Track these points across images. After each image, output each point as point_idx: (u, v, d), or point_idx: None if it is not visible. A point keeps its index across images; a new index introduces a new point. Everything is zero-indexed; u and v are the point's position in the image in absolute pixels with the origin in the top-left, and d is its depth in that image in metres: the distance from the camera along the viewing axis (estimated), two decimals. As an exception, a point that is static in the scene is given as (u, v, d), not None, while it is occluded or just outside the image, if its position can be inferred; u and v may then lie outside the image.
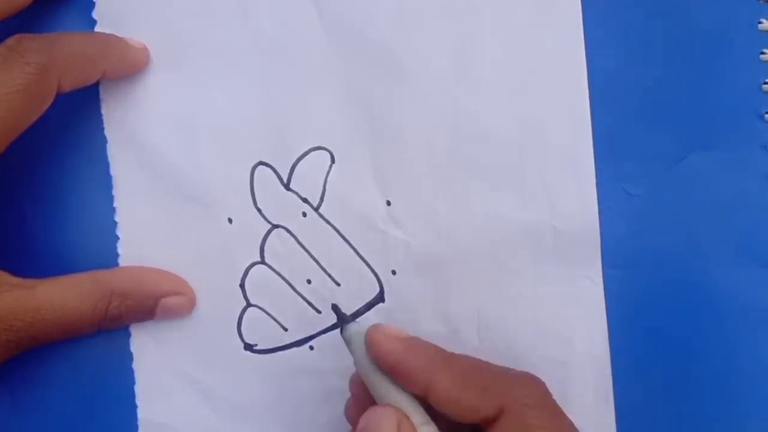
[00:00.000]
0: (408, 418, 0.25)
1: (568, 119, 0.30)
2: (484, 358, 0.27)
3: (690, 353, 0.31)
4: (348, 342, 0.27)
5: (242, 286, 0.32)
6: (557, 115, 0.30)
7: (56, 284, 0.30)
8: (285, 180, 0.32)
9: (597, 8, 0.31)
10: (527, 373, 0.27)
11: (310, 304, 0.32)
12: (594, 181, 0.31)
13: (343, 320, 0.28)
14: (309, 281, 0.32)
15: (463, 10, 0.31)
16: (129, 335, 0.33)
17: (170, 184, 0.32)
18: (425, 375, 0.25)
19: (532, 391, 0.26)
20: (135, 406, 0.33)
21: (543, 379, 0.27)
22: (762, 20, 0.30)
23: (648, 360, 0.31)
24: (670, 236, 0.31)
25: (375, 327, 0.26)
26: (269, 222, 0.32)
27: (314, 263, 0.32)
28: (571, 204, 0.30)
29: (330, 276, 0.32)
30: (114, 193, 0.32)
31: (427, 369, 0.25)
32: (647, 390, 0.31)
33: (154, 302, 0.31)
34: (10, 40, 0.28)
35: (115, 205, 0.32)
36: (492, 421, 0.25)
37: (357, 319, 0.29)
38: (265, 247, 0.32)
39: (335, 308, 0.28)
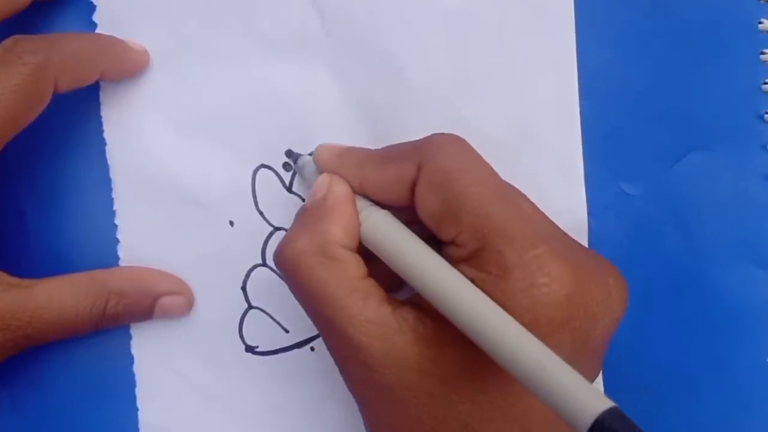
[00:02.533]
0: (340, 178, 0.27)
1: (558, 120, 0.30)
2: None
3: (687, 354, 0.30)
4: (301, 169, 0.30)
5: (244, 288, 0.32)
6: (548, 116, 0.30)
7: (54, 284, 0.29)
8: (287, 183, 0.31)
9: (598, 9, 0.30)
10: (442, 132, 0.26)
11: (311, 305, 0.31)
12: (583, 179, 0.30)
13: (296, 156, 0.30)
14: (311, 283, 0.31)
15: (462, 16, 0.30)
16: (130, 337, 0.32)
17: (171, 187, 0.31)
18: (356, 172, 0.27)
19: (444, 141, 0.26)
20: (136, 409, 0.32)
21: None
22: (762, 20, 0.30)
23: (644, 360, 0.30)
24: (668, 236, 0.30)
25: (321, 144, 0.29)
26: (271, 225, 0.31)
27: (316, 265, 0.31)
28: (561, 202, 0.30)
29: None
30: (114, 195, 0.31)
31: (356, 166, 0.27)
32: (643, 391, 0.30)
33: (151, 302, 0.31)
34: (7, 42, 0.28)
35: (114, 208, 0.32)
36: (417, 182, 0.26)
37: None
38: (267, 250, 0.31)
39: (289, 152, 0.31)
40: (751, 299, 0.30)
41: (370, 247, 0.26)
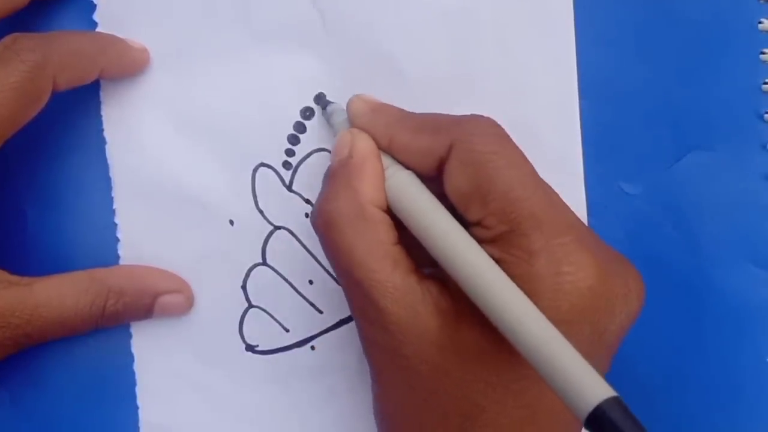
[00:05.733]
0: (363, 133, 0.27)
1: (558, 120, 0.30)
2: None
3: (687, 353, 0.30)
4: (329, 116, 0.30)
5: (244, 287, 0.31)
6: (548, 116, 0.30)
7: (53, 282, 0.29)
8: (287, 181, 0.31)
9: (597, 9, 0.30)
10: (478, 114, 0.26)
11: (311, 304, 0.31)
12: (582, 179, 0.30)
13: (326, 102, 0.30)
14: (311, 282, 0.31)
15: (461, 16, 0.30)
16: (130, 336, 0.31)
17: (171, 186, 0.31)
18: (386, 131, 0.27)
19: (480, 123, 0.26)
20: (137, 407, 0.32)
21: None
22: (762, 20, 0.29)
23: (643, 360, 0.30)
24: (668, 236, 0.30)
25: (356, 95, 0.29)
26: (271, 223, 0.31)
27: (316, 264, 0.31)
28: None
29: (332, 276, 0.31)
30: (113, 194, 0.31)
31: (388, 125, 0.27)
32: (643, 390, 0.30)
33: (151, 300, 0.30)
34: (6, 39, 0.27)
35: (114, 206, 0.31)
36: (447, 158, 0.25)
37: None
38: (267, 249, 0.31)
39: (317, 98, 0.30)
40: (751, 299, 0.30)
41: (392, 206, 0.26)
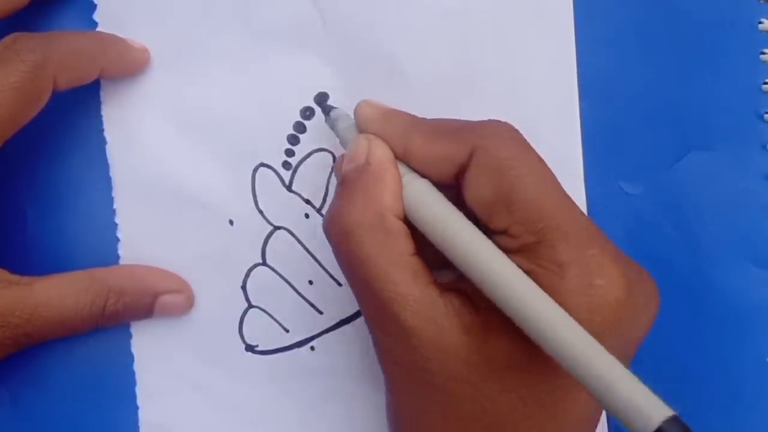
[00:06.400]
0: (379, 140, 0.26)
1: (558, 120, 0.30)
2: None
3: (687, 353, 0.30)
4: (333, 122, 0.28)
5: (244, 287, 0.31)
6: (548, 116, 0.30)
7: (53, 281, 0.29)
8: (287, 182, 0.31)
9: (597, 9, 0.30)
10: (497, 120, 0.25)
11: (311, 304, 0.31)
12: (582, 179, 0.30)
13: (329, 108, 0.29)
14: (311, 282, 0.31)
15: (461, 16, 0.30)
16: (130, 336, 0.31)
17: (171, 186, 0.31)
18: (401, 138, 0.26)
19: (500, 129, 0.25)
20: (136, 407, 0.32)
21: None
22: (762, 20, 0.29)
23: (643, 360, 0.29)
24: (668, 236, 0.30)
25: (364, 100, 0.27)
26: (271, 224, 0.31)
27: (316, 264, 0.31)
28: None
29: (332, 276, 0.31)
30: (114, 194, 0.31)
31: (402, 132, 0.26)
32: None
33: (151, 300, 0.30)
34: (7, 39, 0.27)
35: (115, 206, 0.31)
36: (467, 166, 0.24)
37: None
38: (267, 249, 0.31)
39: (319, 100, 0.30)
40: (751, 299, 0.30)
41: (409, 215, 0.25)
